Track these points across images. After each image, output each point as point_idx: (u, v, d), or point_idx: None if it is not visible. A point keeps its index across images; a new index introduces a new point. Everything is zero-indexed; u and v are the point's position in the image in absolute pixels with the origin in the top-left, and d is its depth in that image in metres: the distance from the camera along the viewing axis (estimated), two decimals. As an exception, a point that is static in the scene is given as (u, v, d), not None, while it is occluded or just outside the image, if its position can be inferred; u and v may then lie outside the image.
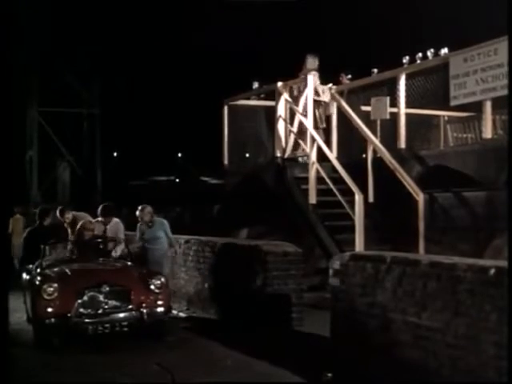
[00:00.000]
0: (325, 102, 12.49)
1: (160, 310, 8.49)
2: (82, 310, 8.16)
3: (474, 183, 9.76)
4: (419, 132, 12.07)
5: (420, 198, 9.91)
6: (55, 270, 8.87)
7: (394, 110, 11.52)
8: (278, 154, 12.44)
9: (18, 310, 9.35)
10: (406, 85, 11.34)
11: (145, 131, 33.08)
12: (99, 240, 9.86)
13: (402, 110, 11.37)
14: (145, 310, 8.28)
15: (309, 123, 11.86)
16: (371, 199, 10.76)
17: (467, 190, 9.81)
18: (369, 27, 22.05)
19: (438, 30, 17.96)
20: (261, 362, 7.24)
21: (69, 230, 10.46)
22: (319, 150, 11.42)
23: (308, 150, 11.62)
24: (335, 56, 15.39)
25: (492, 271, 4.94)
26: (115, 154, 39.64)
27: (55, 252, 9.65)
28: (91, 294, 8.25)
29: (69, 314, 8.05)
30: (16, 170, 23.43)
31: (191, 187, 31.12)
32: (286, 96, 12.39)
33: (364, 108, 12.20)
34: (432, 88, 11.13)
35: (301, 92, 12.34)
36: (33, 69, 26.07)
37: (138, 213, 10.30)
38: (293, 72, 12.73)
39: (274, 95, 12.66)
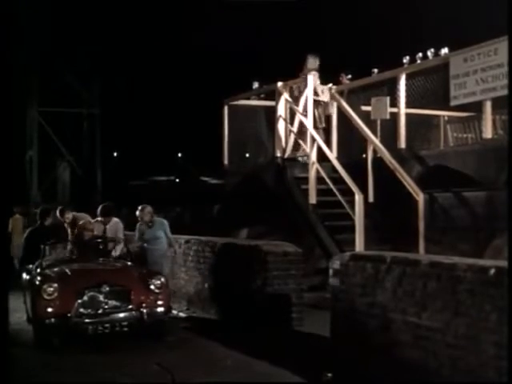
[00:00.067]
0: (324, 102, 12.49)
1: (160, 309, 8.49)
2: (82, 309, 8.16)
3: (474, 183, 9.76)
4: (419, 132, 12.07)
5: (420, 197, 9.91)
6: (55, 269, 8.87)
7: (394, 109, 11.52)
8: (278, 154, 12.44)
9: (18, 310, 9.35)
10: (406, 85, 11.34)
11: (145, 131, 33.09)
12: (99, 240, 9.86)
13: (402, 109, 11.37)
14: (145, 310, 8.28)
15: (309, 123, 11.86)
16: (371, 199, 10.76)
17: (467, 190, 9.81)
18: (369, 27, 22.05)
19: (438, 30, 17.95)
20: (261, 361, 7.24)
21: (69, 230, 10.47)
22: (319, 149, 11.42)
23: (308, 149, 11.62)
24: (335, 56, 15.38)
25: (492, 271, 4.94)
26: (115, 154, 39.64)
27: (55, 252, 9.65)
28: (91, 294, 8.25)
29: (69, 314, 8.05)
30: (16, 169, 23.43)
31: (191, 187, 31.12)
32: (286, 96, 12.40)
33: (364, 108, 12.20)
34: (432, 88, 11.13)
35: (301, 92, 12.34)
36: (33, 69, 26.06)
37: (137, 213, 10.30)
38: (293, 72, 12.73)
39: (274, 95, 12.67)
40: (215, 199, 17.33)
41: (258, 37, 24.22)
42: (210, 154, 19.90)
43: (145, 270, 9.16)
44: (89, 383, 6.91)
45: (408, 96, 11.36)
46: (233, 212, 13.63)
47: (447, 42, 11.00)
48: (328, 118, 12.68)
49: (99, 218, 10.25)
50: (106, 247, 9.79)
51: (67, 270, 8.78)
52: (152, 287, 8.53)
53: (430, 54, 11.15)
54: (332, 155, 11.50)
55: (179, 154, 42.75)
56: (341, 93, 12.58)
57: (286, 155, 12.41)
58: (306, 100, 12.13)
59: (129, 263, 9.45)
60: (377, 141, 11.26)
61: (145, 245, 10.20)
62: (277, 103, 12.49)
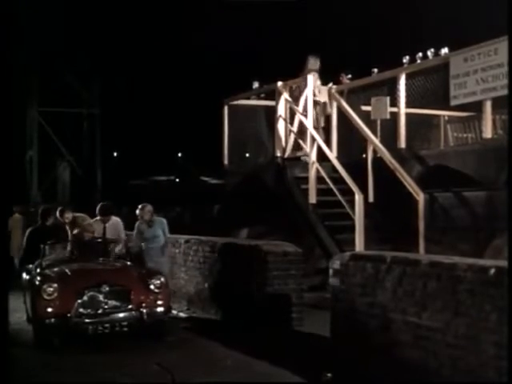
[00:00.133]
0: (322, 102, 12.47)
1: (160, 309, 8.49)
2: (81, 310, 8.16)
3: (474, 183, 9.76)
4: (419, 132, 12.07)
5: (420, 197, 9.90)
6: (55, 270, 8.86)
7: (394, 109, 11.51)
8: (278, 154, 12.44)
9: (18, 310, 9.35)
10: (406, 84, 11.34)
11: (145, 131, 33.08)
12: (99, 240, 9.87)
13: (402, 109, 11.36)
14: (145, 310, 8.28)
15: (309, 123, 11.86)
16: (371, 199, 10.75)
17: (467, 190, 9.80)
18: (369, 27, 22.05)
19: (438, 30, 17.95)
20: (261, 361, 7.24)
21: (69, 231, 10.46)
22: (319, 149, 11.42)
23: (308, 149, 11.62)
24: (335, 56, 15.38)
25: (492, 271, 4.94)
26: (115, 154, 39.63)
27: (55, 252, 9.64)
28: (91, 293, 8.25)
29: (69, 314, 8.05)
30: (16, 169, 23.43)
31: (191, 187, 31.11)
32: (286, 96, 12.40)
33: (364, 108, 12.19)
34: (432, 88, 11.12)
35: (301, 92, 12.33)
36: (33, 69, 26.08)
37: (138, 211, 10.31)
38: (293, 72, 12.73)
39: (274, 95, 12.66)
40: (215, 199, 17.34)
41: (258, 37, 24.22)
42: (210, 153, 19.90)
43: (145, 270, 9.15)
44: (89, 383, 6.91)
45: (408, 96, 11.35)
46: (233, 212, 13.63)
47: (447, 42, 11.00)
48: (328, 118, 12.67)
49: (98, 218, 10.24)
50: (107, 248, 9.78)
51: (67, 270, 8.78)
52: (152, 287, 8.52)
53: (430, 53, 11.15)
54: (332, 155, 11.50)
55: (179, 154, 42.73)
56: (341, 93, 12.57)
57: (286, 155, 12.41)
58: (306, 100, 12.13)
59: (129, 263, 9.45)
60: (377, 141, 11.26)
61: (145, 244, 10.20)
62: (277, 103, 12.49)
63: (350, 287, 6.44)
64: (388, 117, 11.64)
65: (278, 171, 12.42)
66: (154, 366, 7.17)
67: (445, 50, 10.93)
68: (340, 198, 10.54)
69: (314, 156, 11.42)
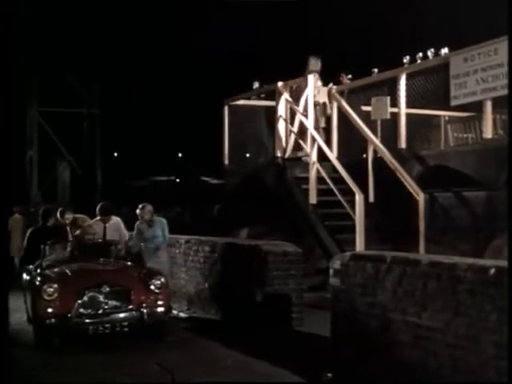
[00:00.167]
0: (321, 103, 12.47)
1: (160, 310, 8.49)
2: (82, 310, 8.16)
3: (474, 183, 9.76)
4: (420, 132, 12.06)
5: (420, 197, 9.91)
6: (55, 270, 8.86)
7: (395, 109, 11.51)
8: (279, 154, 12.44)
9: (18, 310, 9.35)
10: (407, 85, 11.34)
11: (145, 131, 33.08)
12: (99, 240, 9.87)
13: (403, 109, 11.37)
14: (145, 310, 8.28)
15: (309, 123, 11.86)
16: (372, 199, 10.76)
17: (467, 190, 9.81)
18: (369, 27, 22.06)
19: (438, 30, 17.95)
20: (261, 362, 7.24)
21: (69, 231, 10.47)
22: (320, 149, 11.42)
23: (308, 149, 11.62)
24: (335, 56, 15.38)
25: (492, 271, 4.94)
26: (115, 154, 39.64)
27: (55, 252, 9.64)
28: (91, 294, 8.25)
29: (69, 315, 8.05)
30: (16, 169, 23.43)
31: (191, 187, 31.12)
32: (286, 96, 12.40)
33: (364, 108, 12.20)
34: (432, 88, 11.12)
35: (301, 92, 12.33)
36: (33, 69, 26.08)
37: (138, 211, 10.31)
38: (293, 72, 12.73)
39: (274, 95, 12.66)
40: (215, 199, 17.35)
41: (258, 37, 24.22)
42: (210, 153, 19.92)
43: (145, 270, 9.15)
44: (89, 383, 6.91)
45: (408, 96, 11.35)
46: (233, 212, 13.63)
47: (447, 42, 11.00)
48: (328, 119, 12.67)
49: (99, 218, 10.23)
50: (107, 248, 9.77)
51: (67, 271, 8.78)
52: (152, 287, 8.52)
53: (430, 53, 11.15)
54: (332, 155, 11.50)
55: (179, 154, 42.74)
56: (341, 93, 12.57)
57: (287, 155, 12.41)
58: (306, 100, 12.13)
59: (129, 263, 9.45)
60: (377, 141, 11.26)
61: (144, 243, 10.20)
62: (277, 103, 12.49)
63: (350, 287, 6.44)
64: (388, 117, 11.64)
65: (278, 171, 12.42)
66: (154, 366, 7.17)
67: (445, 50, 10.93)
68: (340, 198, 10.55)
69: (314, 156, 11.42)
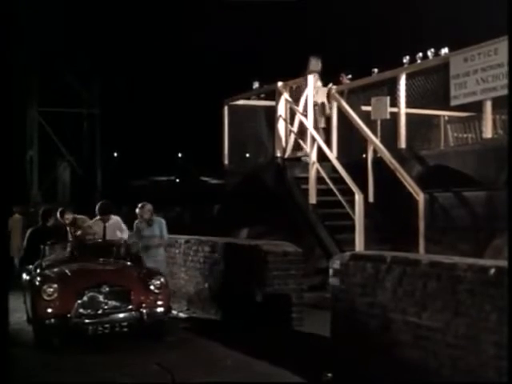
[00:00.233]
0: (321, 103, 12.47)
1: (160, 310, 8.49)
2: (81, 310, 8.16)
3: (474, 183, 9.76)
4: (419, 132, 12.06)
5: (420, 197, 9.90)
6: (55, 270, 8.86)
7: (395, 109, 11.51)
8: (279, 154, 12.44)
9: (18, 310, 9.35)
10: (407, 85, 11.33)
11: (145, 131, 33.07)
12: (99, 240, 9.87)
13: (403, 109, 11.36)
14: (145, 310, 8.28)
15: (309, 123, 11.86)
16: (371, 199, 10.76)
17: (467, 190, 9.80)
18: (369, 27, 22.05)
19: (438, 30, 17.95)
20: (261, 362, 7.24)
21: (69, 231, 10.47)
22: (319, 149, 11.42)
23: (308, 149, 11.62)
24: (335, 56, 15.37)
25: (492, 271, 4.94)
26: (115, 154, 39.64)
27: (55, 252, 9.64)
28: (91, 294, 8.25)
29: (69, 315, 8.05)
30: (16, 169, 23.43)
31: (191, 187, 31.12)
32: (286, 96, 12.40)
33: (364, 108, 12.19)
34: (432, 88, 11.12)
35: (301, 92, 12.33)
36: (33, 69, 26.08)
37: (137, 210, 10.32)
38: (293, 72, 12.72)
39: (274, 95, 12.66)
40: (215, 199, 17.34)
41: (258, 37, 24.22)
42: (210, 153, 19.90)
43: (145, 270, 9.15)
44: (89, 383, 6.91)
45: (408, 96, 11.35)
46: (233, 212, 13.63)
47: (447, 42, 10.99)
48: (328, 119, 12.66)
49: (98, 217, 10.22)
50: (107, 248, 9.76)
51: (67, 271, 8.78)
52: (152, 287, 8.52)
53: (430, 53, 11.14)
54: (332, 155, 11.49)
55: (179, 154, 42.72)
56: (341, 93, 12.57)
57: (287, 155, 12.40)
58: (306, 100, 12.13)
59: (129, 263, 9.45)
60: (377, 141, 11.26)
61: (143, 242, 10.20)
62: (277, 103, 12.49)
63: (350, 287, 6.44)
64: (388, 117, 11.63)
65: (278, 171, 12.42)
66: (153, 366, 7.18)
67: (445, 50, 10.92)
68: (340, 198, 10.54)
69: (314, 156, 11.42)
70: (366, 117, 11.79)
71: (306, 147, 11.73)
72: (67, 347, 8.03)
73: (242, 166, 14.38)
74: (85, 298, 8.21)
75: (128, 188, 30.87)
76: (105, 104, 28.30)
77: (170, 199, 24.09)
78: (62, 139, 27.50)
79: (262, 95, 13.83)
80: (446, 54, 10.89)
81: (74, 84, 27.36)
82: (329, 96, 12.56)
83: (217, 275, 10.29)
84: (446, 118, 12.06)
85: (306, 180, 11.51)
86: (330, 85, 12.65)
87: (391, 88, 11.60)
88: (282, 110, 12.44)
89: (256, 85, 13.82)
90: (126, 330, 8.23)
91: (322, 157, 11.46)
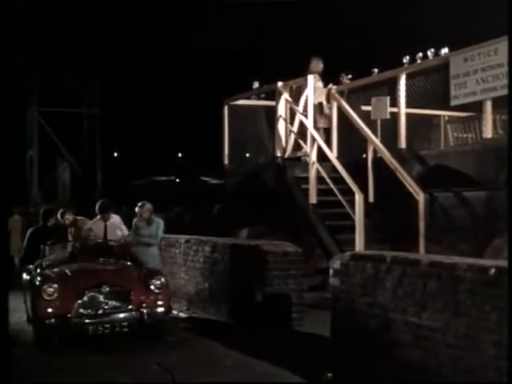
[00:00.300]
0: (319, 103, 12.46)
1: (160, 310, 8.49)
2: (82, 310, 8.16)
3: (474, 183, 9.76)
4: (419, 132, 12.06)
5: (420, 197, 9.90)
6: (55, 270, 8.87)
7: (395, 109, 11.51)
8: (279, 154, 12.44)
9: (18, 310, 9.35)
10: (407, 85, 11.33)
11: (145, 131, 33.08)
12: (100, 240, 9.87)
13: (403, 109, 11.35)
14: (145, 311, 8.29)
15: (309, 123, 11.86)
16: (371, 199, 10.76)
17: (467, 190, 9.80)
18: (369, 27, 22.05)
19: (438, 30, 17.95)
20: (261, 361, 7.24)
21: (69, 232, 10.47)
22: (319, 149, 11.42)
23: (308, 149, 11.62)
24: (335, 56, 15.37)
25: (492, 271, 4.94)
26: (115, 154, 39.64)
27: (55, 252, 9.64)
28: (91, 294, 8.25)
29: (69, 315, 8.05)
30: (16, 169, 23.44)
31: (191, 187, 31.11)
32: (286, 96, 12.39)
33: (364, 108, 12.19)
34: (432, 88, 11.11)
35: (301, 92, 12.33)
36: (33, 69, 26.08)
37: (137, 209, 10.33)
38: (293, 72, 12.72)
39: (274, 95, 12.66)
40: (215, 199, 17.34)
41: (258, 37, 24.21)
42: (210, 153, 19.90)
43: (145, 270, 9.15)
44: (89, 383, 6.91)
45: (408, 96, 11.34)
46: (233, 212, 13.63)
47: (447, 42, 10.99)
48: (328, 119, 12.65)
49: (99, 217, 10.22)
50: (108, 248, 9.76)
51: (67, 271, 8.78)
52: (152, 287, 8.53)
53: (430, 53, 11.14)
54: (332, 155, 11.50)
55: (179, 154, 42.73)
56: (341, 93, 12.56)
57: (287, 155, 12.40)
58: (306, 100, 12.13)
59: (129, 263, 9.45)
60: (377, 141, 11.26)
61: (141, 241, 10.20)
62: (277, 103, 12.49)
63: (350, 287, 6.44)
64: (388, 117, 11.63)
65: (278, 171, 12.42)
66: (154, 366, 7.18)
67: (445, 50, 10.92)
68: (340, 197, 10.54)
69: (314, 156, 11.42)
70: (366, 117, 11.78)
71: (306, 147, 11.73)
72: (67, 347, 8.04)
73: (242, 166, 14.38)
74: (85, 298, 8.22)
75: (128, 188, 30.87)
76: (105, 104, 28.31)
77: (170, 199, 24.09)
78: (61, 139, 27.51)
79: (262, 95, 13.82)
80: (445, 54, 10.89)
81: (74, 84, 27.37)
82: (328, 96, 12.55)
83: (217, 275, 10.29)
84: (446, 117, 12.07)
85: (306, 180, 11.51)
86: (330, 85, 12.65)
87: (391, 88, 11.60)
88: (282, 109, 12.44)
89: (256, 85, 13.82)
90: (126, 330, 8.23)
91: (322, 157, 11.46)
